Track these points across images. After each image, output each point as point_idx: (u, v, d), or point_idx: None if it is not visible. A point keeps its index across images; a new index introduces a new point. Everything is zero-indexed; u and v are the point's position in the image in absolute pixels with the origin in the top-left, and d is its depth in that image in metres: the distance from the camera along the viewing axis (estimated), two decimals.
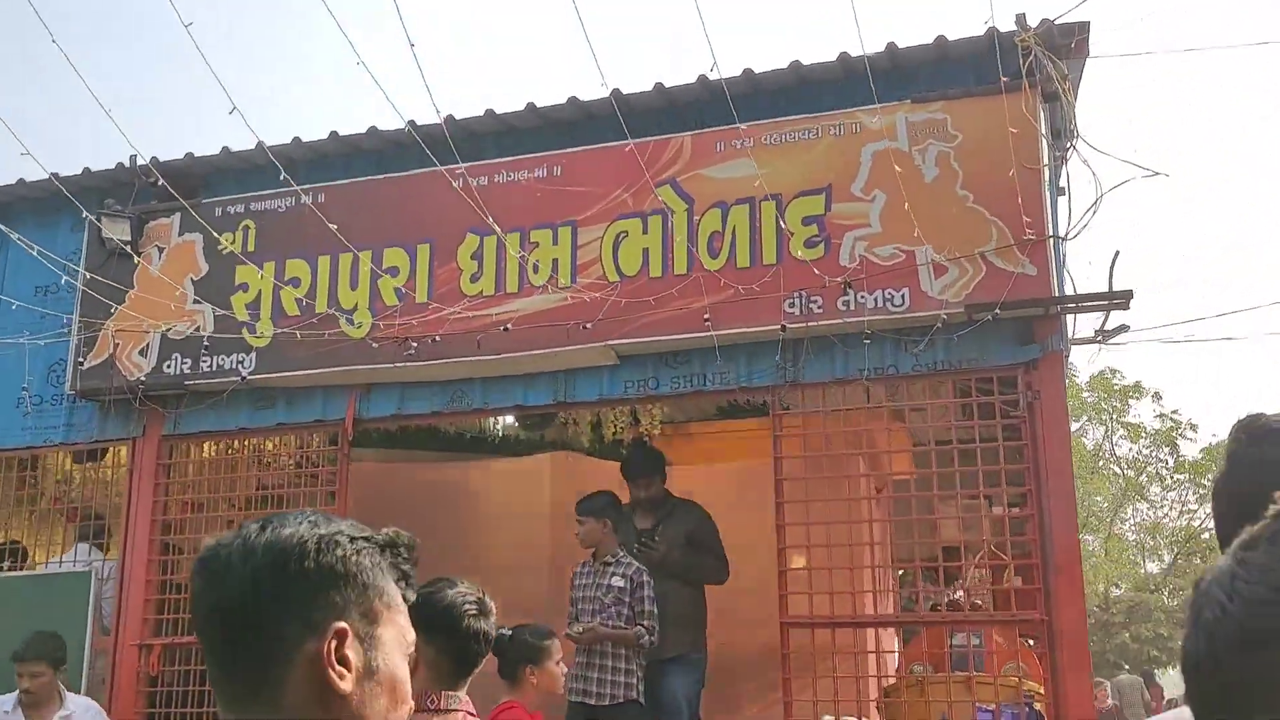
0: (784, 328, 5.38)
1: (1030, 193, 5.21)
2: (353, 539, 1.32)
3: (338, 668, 1.25)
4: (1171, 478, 23.48)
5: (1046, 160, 5.29)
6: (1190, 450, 24.27)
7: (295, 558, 1.27)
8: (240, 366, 6.27)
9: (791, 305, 5.43)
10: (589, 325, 5.66)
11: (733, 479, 7.56)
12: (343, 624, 1.26)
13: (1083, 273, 5.30)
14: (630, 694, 5.49)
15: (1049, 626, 4.94)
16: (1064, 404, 5.18)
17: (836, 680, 5.13)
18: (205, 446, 6.71)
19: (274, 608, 1.26)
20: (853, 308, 5.35)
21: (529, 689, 4.64)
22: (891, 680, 5.99)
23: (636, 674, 5.54)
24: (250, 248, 6.41)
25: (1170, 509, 23.46)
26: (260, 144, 6.60)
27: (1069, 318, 5.32)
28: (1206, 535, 23.57)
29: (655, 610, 5.58)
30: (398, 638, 1.34)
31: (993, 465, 5.18)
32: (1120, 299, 5.08)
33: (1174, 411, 24.36)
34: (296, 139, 6.55)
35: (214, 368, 6.33)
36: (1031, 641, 6.10)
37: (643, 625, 5.53)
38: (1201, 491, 23.24)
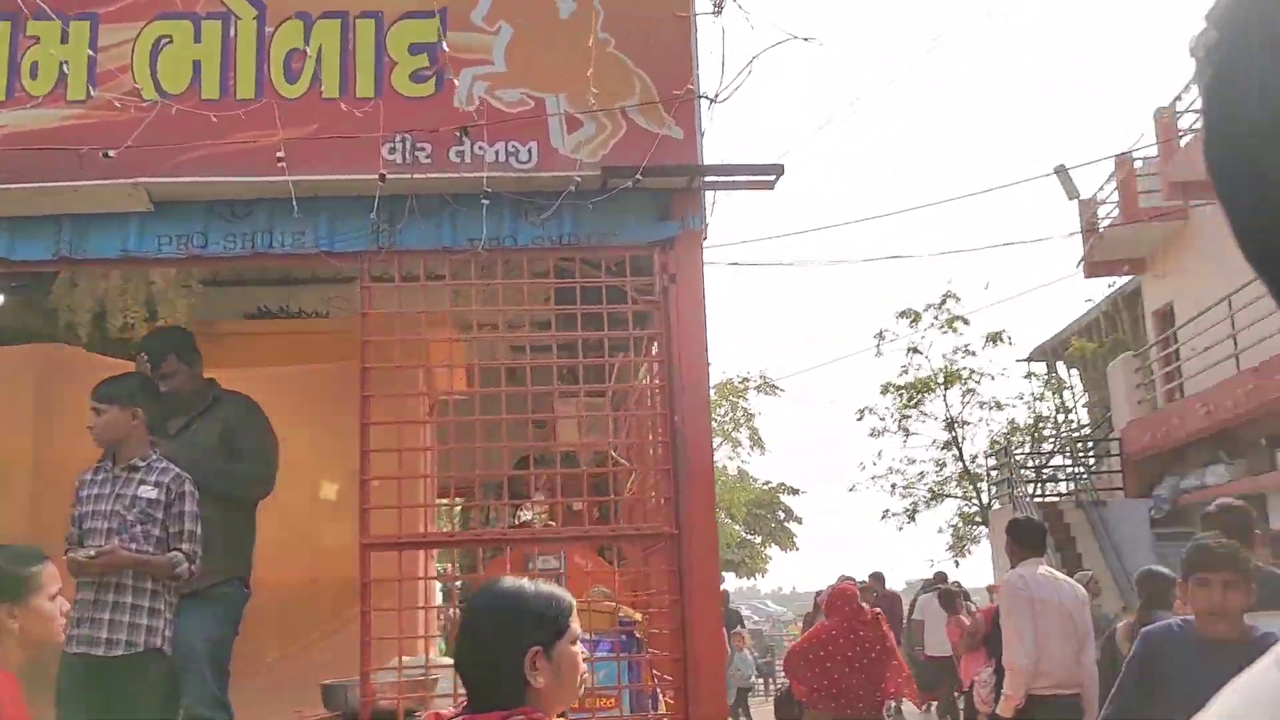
0: (383, 178, 4.29)
1: (679, 45, 4.52)
2: None
3: None
4: None
5: (697, 9, 4.62)
6: None
7: None
8: None
9: (392, 151, 4.35)
10: (112, 154, 4.20)
11: (282, 387, 6.30)
12: None
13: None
14: (154, 641, 4.12)
15: (679, 542, 4.32)
16: (702, 290, 4.55)
17: (430, 612, 4.17)
18: None
19: None
20: (469, 160, 4.37)
21: (7, 637, 3.26)
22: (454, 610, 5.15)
23: (165, 616, 4.17)
24: None
25: None
26: None
27: (709, 194, 4.70)
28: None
29: (198, 530, 4.23)
30: None
31: (622, 358, 4.45)
32: (768, 174, 4.53)
33: None
34: None
35: None
36: (609, 559, 5.55)
37: (180, 549, 4.17)
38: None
